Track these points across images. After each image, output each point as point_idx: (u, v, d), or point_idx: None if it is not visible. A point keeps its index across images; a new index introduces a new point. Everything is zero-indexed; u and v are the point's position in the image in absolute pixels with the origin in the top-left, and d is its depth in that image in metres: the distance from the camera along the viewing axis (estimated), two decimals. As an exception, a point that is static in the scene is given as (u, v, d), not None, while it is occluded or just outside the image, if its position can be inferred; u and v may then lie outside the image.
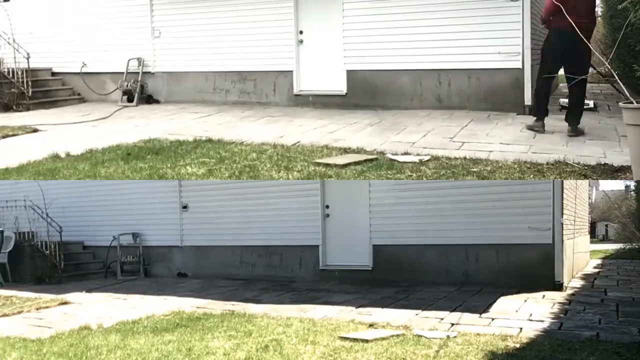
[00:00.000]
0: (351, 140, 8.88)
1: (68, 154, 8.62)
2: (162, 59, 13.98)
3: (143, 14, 14.05)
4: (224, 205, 11.13)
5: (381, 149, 8.19)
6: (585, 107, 10.98)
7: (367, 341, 5.53)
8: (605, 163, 7.03)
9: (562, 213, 8.55)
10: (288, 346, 5.43)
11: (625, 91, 5.97)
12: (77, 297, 9.02)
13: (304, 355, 5.14)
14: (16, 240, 11.35)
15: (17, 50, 13.40)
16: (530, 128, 8.99)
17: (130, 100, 13.75)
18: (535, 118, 9.10)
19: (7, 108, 13.18)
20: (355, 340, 5.60)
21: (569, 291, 8.39)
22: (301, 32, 12.61)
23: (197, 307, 7.75)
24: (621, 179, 6.70)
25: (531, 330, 5.90)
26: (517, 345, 5.29)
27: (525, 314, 6.70)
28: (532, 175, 6.79)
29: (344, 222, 10.07)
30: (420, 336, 5.70)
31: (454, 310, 6.98)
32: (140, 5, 14.05)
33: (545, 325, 6.16)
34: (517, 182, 7.45)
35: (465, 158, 7.51)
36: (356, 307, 7.39)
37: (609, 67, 6.43)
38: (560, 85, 17.34)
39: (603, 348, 5.14)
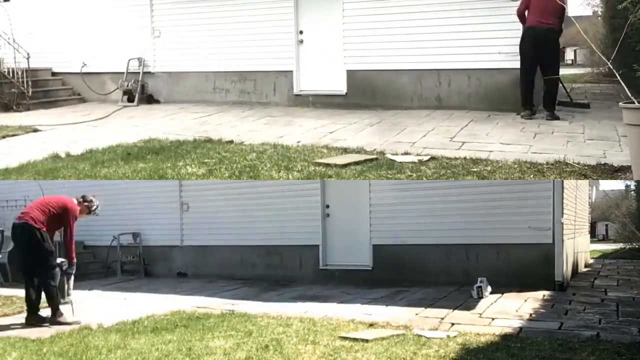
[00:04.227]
0: (351, 140, 8.88)
1: (68, 154, 8.62)
2: (162, 59, 13.99)
3: (143, 14, 14.06)
4: (224, 205, 11.12)
5: (381, 149, 8.19)
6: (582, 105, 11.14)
7: (367, 341, 5.53)
8: (605, 163, 7.02)
9: (562, 213, 8.55)
10: (288, 346, 5.43)
11: (627, 90, 5.96)
12: (77, 297, 9.00)
13: (304, 355, 5.14)
14: (16, 240, 11.32)
15: (17, 50, 13.40)
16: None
17: (130, 100, 13.75)
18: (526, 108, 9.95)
19: (7, 108, 13.18)
20: (355, 340, 5.60)
21: (569, 291, 8.40)
22: (301, 32, 12.61)
23: (197, 307, 7.75)
24: (621, 179, 6.70)
25: (531, 330, 5.90)
26: (517, 345, 5.29)
27: (525, 314, 6.70)
28: (532, 175, 6.79)
29: (344, 222, 10.07)
30: (420, 336, 5.70)
31: (454, 310, 6.98)
32: (140, 5, 14.06)
33: (546, 325, 6.16)
34: (517, 182, 7.45)
35: (465, 158, 7.51)
36: (356, 307, 7.40)
37: (611, 67, 6.42)
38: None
39: (603, 348, 5.14)
